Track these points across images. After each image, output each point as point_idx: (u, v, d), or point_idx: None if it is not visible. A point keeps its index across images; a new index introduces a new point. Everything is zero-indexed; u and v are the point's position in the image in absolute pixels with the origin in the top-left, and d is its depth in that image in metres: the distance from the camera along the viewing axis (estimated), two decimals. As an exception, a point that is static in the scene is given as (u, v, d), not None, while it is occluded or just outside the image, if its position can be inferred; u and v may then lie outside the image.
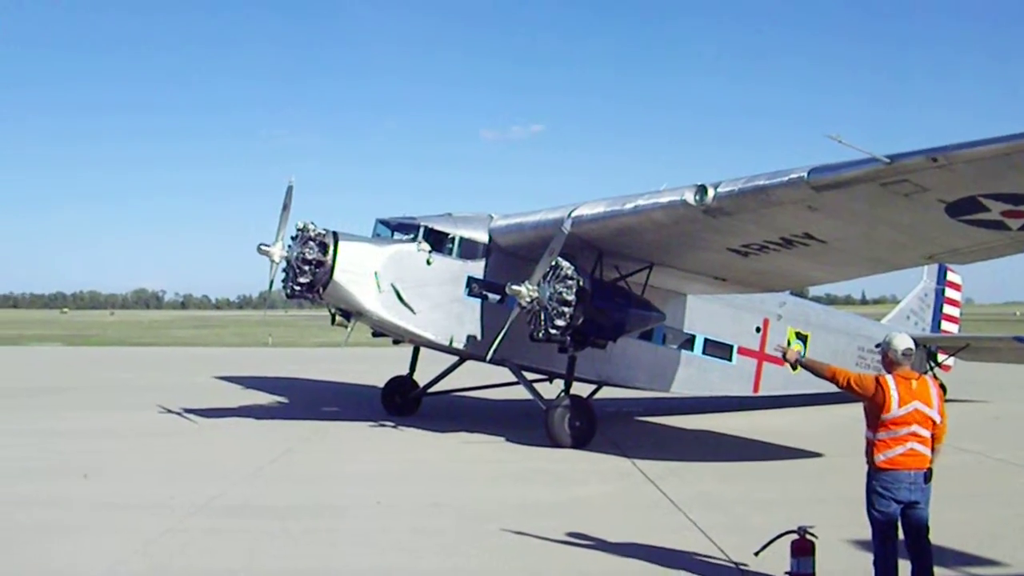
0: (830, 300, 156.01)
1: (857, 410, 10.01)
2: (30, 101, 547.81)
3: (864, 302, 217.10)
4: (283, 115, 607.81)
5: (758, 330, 27.96)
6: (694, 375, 26.87)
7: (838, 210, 17.45)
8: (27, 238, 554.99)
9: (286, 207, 23.54)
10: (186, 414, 26.23)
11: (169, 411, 26.84)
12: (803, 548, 9.90)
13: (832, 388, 10.30)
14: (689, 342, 26.70)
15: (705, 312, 26.81)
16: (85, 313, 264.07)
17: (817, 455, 20.52)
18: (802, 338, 28.73)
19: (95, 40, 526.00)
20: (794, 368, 11.11)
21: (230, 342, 79.71)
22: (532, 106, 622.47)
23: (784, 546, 10.13)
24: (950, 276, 35.47)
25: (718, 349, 27.21)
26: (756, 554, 10.80)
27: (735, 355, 27.54)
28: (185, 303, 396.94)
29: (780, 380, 27.90)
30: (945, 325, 35.36)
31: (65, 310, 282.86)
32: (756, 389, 28.04)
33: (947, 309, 35.50)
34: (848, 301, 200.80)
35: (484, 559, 11.99)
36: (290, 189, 23.67)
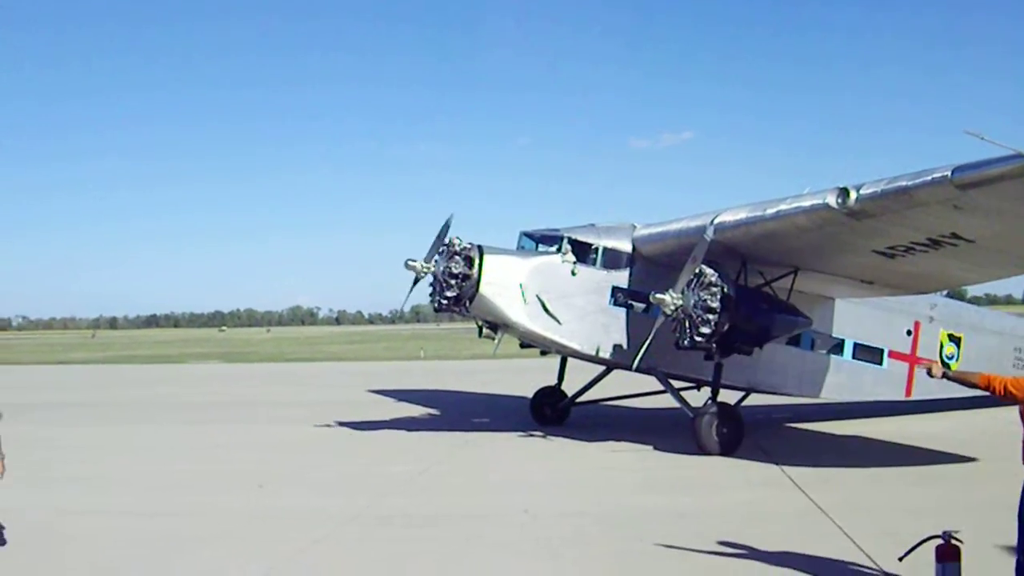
0: (990, 300, 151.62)
1: (1014, 412, 9.78)
2: (169, 108, 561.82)
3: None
4: (432, 126, 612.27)
5: (909, 333, 27.41)
6: (844, 380, 26.47)
7: (984, 208, 17.09)
8: (185, 259, 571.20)
9: (440, 236, 23.89)
10: (340, 427, 26.87)
11: (325, 425, 27.51)
12: (948, 553, 9.75)
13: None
14: (838, 347, 26.32)
15: (854, 316, 26.40)
16: (242, 331, 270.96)
17: (971, 460, 20.12)
18: (955, 340, 28.07)
19: (231, 43, 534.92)
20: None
21: (383, 356, 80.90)
22: (682, 113, 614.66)
23: (931, 551, 10.00)
24: (1112, 272, 34.19)
25: (868, 353, 26.74)
26: (900, 559, 10.69)
27: (886, 359, 27.04)
28: (339, 319, 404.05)
29: (934, 383, 27.04)
30: (1108, 322, 34.14)
31: (223, 328, 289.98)
32: (909, 393, 27.48)
33: (1110, 306, 34.26)
34: (1009, 301, 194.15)
35: (630, 568, 12.13)
36: (448, 223, 24.01)
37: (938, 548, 9.83)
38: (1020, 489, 9.48)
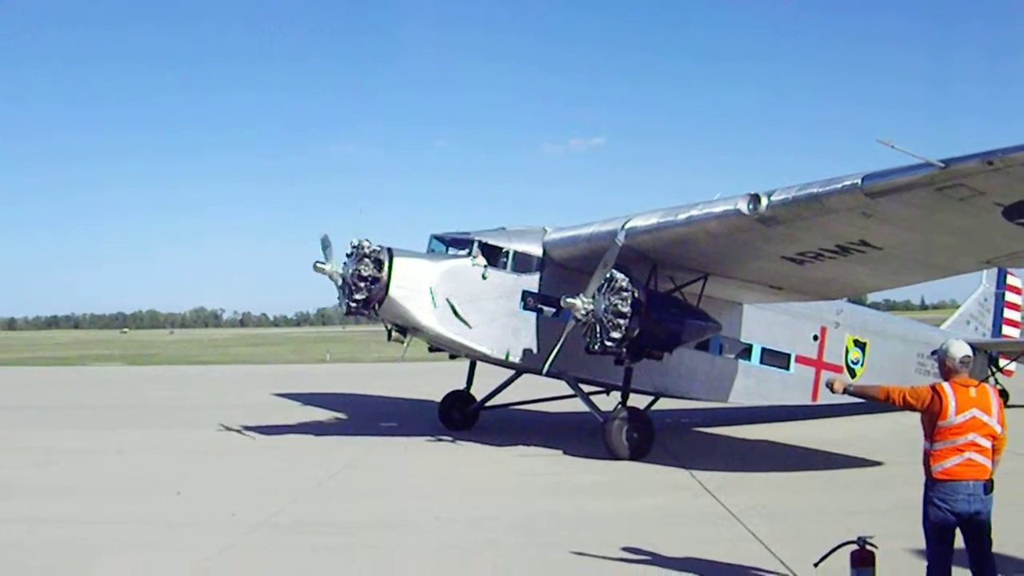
0: (889, 306, 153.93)
1: (918, 417, 9.80)
2: (82, 115, 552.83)
3: (923, 307, 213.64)
4: (341, 130, 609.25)
5: (815, 338, 27.72)
6: (752, 385, 26.67)
7: (893, 216, 17.31)
8: (86, 260, 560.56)
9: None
10: (246, 431, 26.43)
11: (229, 429, 27.04)
12: (863, 558, 9.80)
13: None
14: (746, 352, 26.52)
15: (762, 321, 26.62)
16: (145, 332, 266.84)
17: (878, 464, 20.35)
18: (860, 345, 28.46)
19: (137, 52, 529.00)
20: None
21: (288, 359, 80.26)
22: (593, 119, 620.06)
23: (845, 557, 10.04)
24: (1010, 280, 34.99)
25: (775, 358, 26.98)
26: (815, 565, 10.70)
27: (793, 364, 27.29)
28: (244, 321, 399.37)
29: (839, 389, 27.51)
30: (1006, 330, 34.90)
31: (126, 330, 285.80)
32: (815, 398, 27.76)
33: (1008, 313, 35.03)
34: (907, 307, 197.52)
35: (542, 573, 12.01)
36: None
37: (853, 554, 9.85)
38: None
